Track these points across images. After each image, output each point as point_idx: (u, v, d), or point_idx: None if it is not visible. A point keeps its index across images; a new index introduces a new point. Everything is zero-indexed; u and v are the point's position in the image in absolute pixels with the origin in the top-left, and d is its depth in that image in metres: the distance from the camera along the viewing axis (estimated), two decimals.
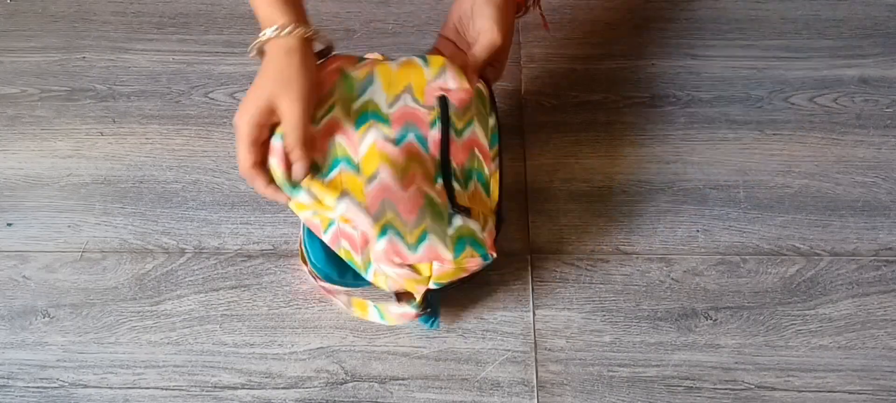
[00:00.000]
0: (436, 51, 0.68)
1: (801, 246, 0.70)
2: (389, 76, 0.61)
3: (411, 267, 0.57)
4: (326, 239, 0.60)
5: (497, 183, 0.62)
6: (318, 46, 0.60)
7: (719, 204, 0.73)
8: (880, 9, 0.85)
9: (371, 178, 0.57)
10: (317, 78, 0.58)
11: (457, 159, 0.60)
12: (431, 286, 0.59)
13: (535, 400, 0.63)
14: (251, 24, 0.84)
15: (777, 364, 0.65)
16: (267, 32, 0.56)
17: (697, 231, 0.71)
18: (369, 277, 0.60)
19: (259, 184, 0.57)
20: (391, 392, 0.63)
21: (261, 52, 0.58)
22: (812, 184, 0.74)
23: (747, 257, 0.70)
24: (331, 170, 0.58)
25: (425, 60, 0.62)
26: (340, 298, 0.65)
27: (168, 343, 0.66)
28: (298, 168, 0.56)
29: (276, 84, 0.55)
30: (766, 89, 0.80)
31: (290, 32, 0.56)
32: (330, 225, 0.60)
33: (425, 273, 0.58)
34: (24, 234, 0.71)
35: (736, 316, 0.67)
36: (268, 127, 0.56)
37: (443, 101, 0.60)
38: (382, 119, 0.59)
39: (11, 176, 0.75)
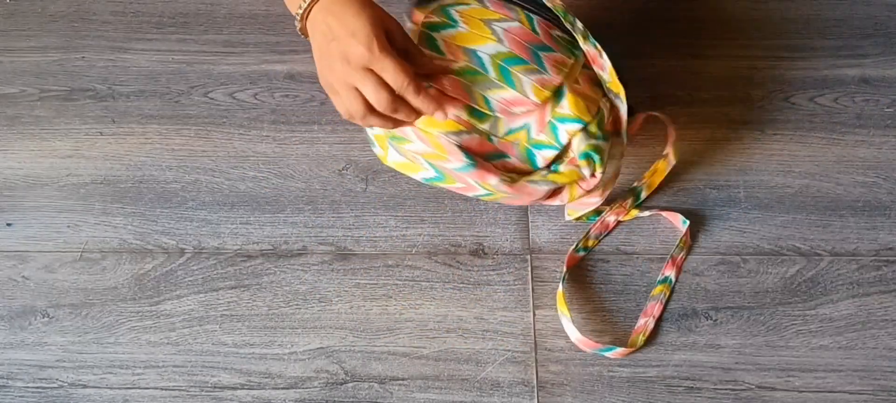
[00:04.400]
0: None
1: (802, 246, 0.70)
2: None
3: None
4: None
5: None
6: None
7: (719, 204, 0.73)
8: (880, 9, 0.85)
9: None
10: None
11: None
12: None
13: (535, 400, 0.63)
14: (251, 24, 0.84)
15: (777, 365, 0.64)
16: (302, 5, 0.53)
17: (697, 231, 0.71)
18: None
19: (421, 100, 0.53)
20: (391, 393, 0.63)
21: (304, 30, 0.55)
22: (812, 184, 0.74)
23: (747, 257, 0.70)
24: None
25: None
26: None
27: (168, 344, 0.65)
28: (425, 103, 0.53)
29: (374, 10, 0.52)
30: (766, 89, 0.80)
31: None
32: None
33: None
34: (23, 234, 0.71)
35: (736, 316, 0.67)
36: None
37: None
38: None
39: (11, 176, 0.75)
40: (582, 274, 0.69)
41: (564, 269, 0.68)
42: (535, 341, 0.66)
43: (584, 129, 0.59)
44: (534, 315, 0.67)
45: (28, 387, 0.64)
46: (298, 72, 0.81)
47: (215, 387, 0.64)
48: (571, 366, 0.65)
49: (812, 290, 0.68)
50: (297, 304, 0.67)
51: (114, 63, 0.82)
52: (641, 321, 0.67)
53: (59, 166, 0.75)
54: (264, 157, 0.75)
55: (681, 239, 0.69)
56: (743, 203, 0.73)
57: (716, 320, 0.67)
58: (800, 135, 0.77)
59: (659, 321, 0.67)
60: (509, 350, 0.65)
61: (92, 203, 0.73)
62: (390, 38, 0.53)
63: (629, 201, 0.70)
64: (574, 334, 0.65)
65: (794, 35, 0.84)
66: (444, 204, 0.73)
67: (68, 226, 0.72)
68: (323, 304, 0.67)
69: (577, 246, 0.69)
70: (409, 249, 0.70)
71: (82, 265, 0.70)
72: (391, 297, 0.68)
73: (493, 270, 0.69)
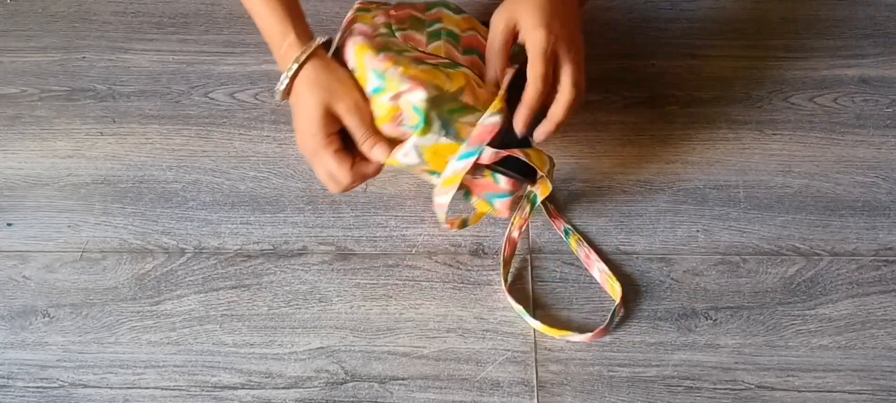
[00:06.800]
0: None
1: (801, 246, 0.70)
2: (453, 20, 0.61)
3: None
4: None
5: None
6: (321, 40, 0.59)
7: (719, 204, 0.73)
8: (880, 9, 0.85)
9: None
10: (344, 71, 0.57)
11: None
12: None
13: (535, 400, 0.63)
14: (251, 24, 0.84)
15: (777, 364, 0.65)
16: (289, 71, 0.56)
17: (697, 231, 0.71)
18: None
19: (370, 169, 0.58)
20: (391, 392, 0.63)
21: (288, 91, 0.57)
22: (812, 184, 0.74)
23: (747, 257, 0.70)
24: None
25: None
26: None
27: (168, 343, 0.66)
28: (378, 151, 0.56)
29: (323, 94, 0.55)
30: (766, 89, 0.80)
31: (307, 54, 0.56)
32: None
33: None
34: (24, 234, 0.71)
35: (736, 316, 0.67)
36: (336, 133, 0.57)
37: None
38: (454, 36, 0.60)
39: (11, 176, 0.75)
40: (582, 274, 0.69)
41: (511, 301, 0.67)
42: (535, 341, 0.66)
43: (436, 93, 0.53)
44: (534, 315, 0.67)
45: (29, 387, 0.64)
46: None
47: (215, 387, 0.64)
48: (571, 366, 0.65)
49: (811, 290, 0.68)
50: (297, 304, 0.67)
51: (114, 63, 0.82)
52: (595, 274, 0.68)
53: (60, 166, 0.75)
54: (264, 157, 0.75)
55: (549, 192, 0.68)
56: (743, 203, 0.73)
57: (715, 320, 0.67)
58: (799, 135, 0.77)
59: (608, 262, 0.69)
60: (509, 350, 0.65)
61: (92, 203, 0.73)
62: (336, 121, 0.56)
63: (527, 209, 0.67)
64: (581, 338, 0.65)
65: (794, 35, 0.84)
66: None
67: (69, 226, 0.72)
68: (323, 304, 0.67)
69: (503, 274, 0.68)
70: (409, 249, 0.70)
71: (83, 265, 0.70)
72: (391, 297, 0.68)
73: (493, 270, 0.69)
